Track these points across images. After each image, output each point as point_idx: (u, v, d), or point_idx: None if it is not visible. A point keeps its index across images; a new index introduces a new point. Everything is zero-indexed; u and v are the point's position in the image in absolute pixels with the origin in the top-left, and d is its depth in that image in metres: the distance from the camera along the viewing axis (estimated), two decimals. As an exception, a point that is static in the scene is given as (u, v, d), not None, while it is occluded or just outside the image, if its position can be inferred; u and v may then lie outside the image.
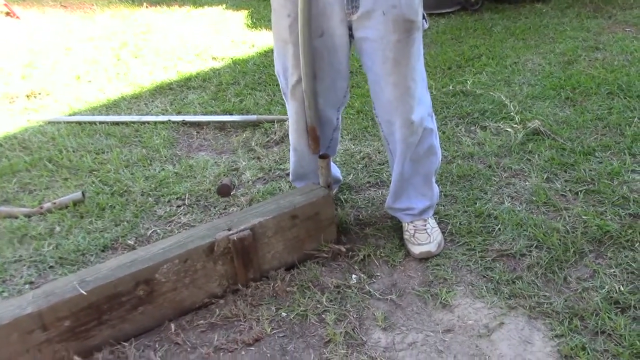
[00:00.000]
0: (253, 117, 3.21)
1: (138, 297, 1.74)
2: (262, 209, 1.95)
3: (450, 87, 3.31)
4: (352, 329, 1.72)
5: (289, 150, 2.79)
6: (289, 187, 2.46)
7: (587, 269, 1.89)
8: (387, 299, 1.83)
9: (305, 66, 1.81)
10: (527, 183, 2.36)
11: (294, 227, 1.96)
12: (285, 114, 3.18)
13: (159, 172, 2.75)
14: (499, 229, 2.09)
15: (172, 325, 1.78)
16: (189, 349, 1.70)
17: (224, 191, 2.48)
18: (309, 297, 1.84)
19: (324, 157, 1.98)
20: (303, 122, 1.99)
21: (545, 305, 1.74)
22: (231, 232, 1.83)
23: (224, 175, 2.67)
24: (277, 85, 3.59)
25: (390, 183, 2.39)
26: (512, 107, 2.95)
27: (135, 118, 3.34)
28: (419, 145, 1.94)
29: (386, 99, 1.84)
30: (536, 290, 1.80)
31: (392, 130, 1.92)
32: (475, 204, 2.25)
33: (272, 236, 1.92)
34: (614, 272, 1.86)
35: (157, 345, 1.73)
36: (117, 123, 3.34)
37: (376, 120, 1.99)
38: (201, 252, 1.80)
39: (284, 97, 2.09)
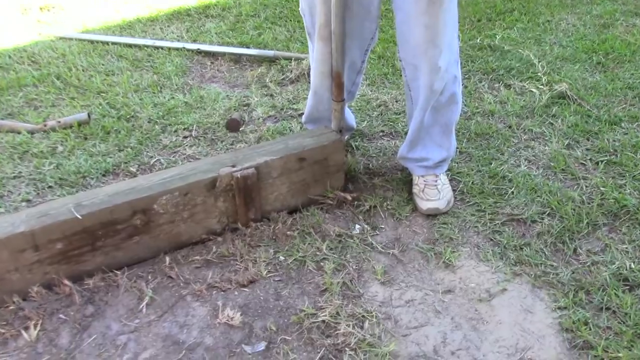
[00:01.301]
0: (270, 53, 3.09)
1: (134, 226, 1.69)
2: (269, 147, 1.88)
3: (478, 41, 3.16)
4: (350, 280, 1.67)
5: (304, 89, 2.71)
6: (300, 128, 2.38)
7: (599, 242, 1.82)
8: (389, 253, 1.78)
9: (336, 6, 1.69)
10: (546, 147, 2.26)
11: (301, 170, 1.89)
12: (304, 52, 3.07)
13: (169, 100, 2.67)
14: (512, 192, 2.01)
15: (167, 258, 1.74)
16: (181, 284, 1.67)
17: (233, 126, 2.40)
18: (309, 243, 1.79)
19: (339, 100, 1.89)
20: (327, 65, 1.89)
21: (551, 275, 1.68)
22: (235, 169, 1.77)
23: (235, 109, 2.59)
24: (298, 21, 3.47)
25: (404, 134, 2.32)
26: (540, 67, 2.82)
27: (149, 42, 3.24)
28: (442, 93, 1.85)
29: (414, 41, 1.73)
30: (543, 259, 1.74)
31: (416, 75, 1.82)
32: (491, 164, 2.16)
33: (277, 177, 1.85)
34: (626, 248, 1.79)
35: (149, 277, 1.69)
36: (130, 45, 3.23)
37: (399, 65, 1.89)
38: (202, 186, 1.74)
39: (307, 37, 1.99)
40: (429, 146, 1.96)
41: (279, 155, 1.83)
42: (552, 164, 2.16)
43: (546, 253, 1.77)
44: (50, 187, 2.08)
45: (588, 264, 1.73)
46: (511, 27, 3.38)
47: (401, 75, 2.01)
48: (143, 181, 1.73)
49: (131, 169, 2.17)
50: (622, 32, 3.27)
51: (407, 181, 2.07)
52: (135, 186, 1.71)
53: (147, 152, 2.28)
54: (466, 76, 2.82)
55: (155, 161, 2.22)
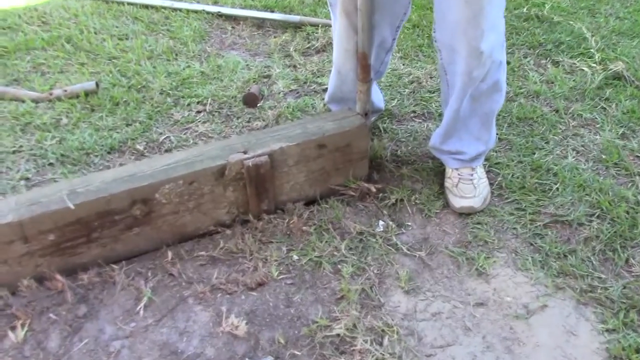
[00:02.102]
0: (296, 18, 2.90)
1: (133, 216, 1.56)
2: (285, 132, 1.71)
3: (524, 10, 2.91)
4: (370, 287, 1.51)
5: (329, 61, 2.52)
6: (323, 106, 2.20)
7: (654, 251, 1.63)
8: (415, 256, 1.61)
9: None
10: (597, 137, 2.05)
11: (320, 158, 1.72)
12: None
13: (184, 68, 2.51)
14: (557, 188, 1.82)
15: (169, 253, 1.60)
16: (183, 283, 1.53)
17: (251, 101, 2.24)
18: (326, 242, 1.63)
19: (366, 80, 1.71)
20: (352, 43, 1.71)
21: (599, 290, 1.50)
22: (246, 156, 1.61)
23: (254, 81, 2.42)
24: (328, -17, 3.24)
25: (438, 115, 2.13)
26: (593, 42, 2.57)
27: (166, 3, 3.06)
28: (484, 81, 1.65)
29: (453, 19, 1.53)
30: (591, 270, 1.56)
31: (454, 59, 1.61)
32: (534, 154, 1.97)
33: (294, 165, 1.69)
34: (686, 259, 1.59)
35: (149, 274, 1.56)
36: (146, 6, 3.06)
37: (435, 46, 1.69)
38: (210, 174, 1.59)
39: (330, 9, 1.79)
40: (465, 139, 1.77)
41: (296, 141, 1.66)
42: (603, 156, 1.95)
43: (594, 263, 1.58)
44: (51, 164, 1.95)
45: (642, 277, 1.54)
46: (562, -6, 3.11)
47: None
48: (144, 167, 1.59)
49: (138, 146, 2.03)
50: (687, 3, 2.98)
51: (438, 172, 1.89)
52: (136, 172, 1.57)
53: (157, 127, 2.13)
54: (510, 50, 2.59)
55: (164, 138, 2.08)
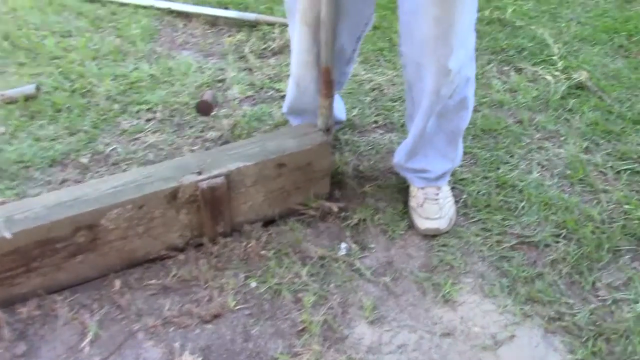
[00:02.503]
0: (251, 16, 2.80)
1: (77, 244, 1.46)
2: (243, 150, 1.63)
3: (487, 13, 2.88)
4: (333, 317, 1.46)
5: (287, 64, 2.44)
6: (281, 115, 2.12)
7: (620, 273, 1.62)
8: (380, 282, 1.56)
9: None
10: (562, 150, 2.04)
11: (280, 177, 1.65)
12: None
13: (132, 71, 2.39)
14: (523, 206, 1.80)
15: (117, 282, 1.51)
16: (132, 316, 1.44)
17: (204, 109, 2.14)
18: (286, 267, 1.57)
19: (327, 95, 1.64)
20: (312, 54, 1.63)
21: (566, 317, 1.48)
22: (201, 177, 1.52)
23: (207, 86, 2.32)
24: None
25: (401, 126, 2.08)
26: (555, 49, 2.57)
27: (113, -3, 2.92)
28: (451, 97, 1.60)
29: (422, 36, 1.47)
30: (558, 295, 1.54)
31: (420, 75, 1.56)
32: (499, 169, 1.94)
33: (252, 185, 1.61)
34: (652, 282, 1.59)
35: (95, 306, 1.46)
36: (91, 0, 2.91)
37: (400, 61, 1.63)
38: (161, 197, 1.50)
39: (287, 14, 1.71)
40: (430, 156, 1.72)
41: (254, 160, 1.59)
42: (568, 171, 1.94)
43: (561, 287, 1.56)
44: (-15, 179, 1.82)
45: (609, 302, 1.53)
46: (523, -3, 3.10)
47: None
48: (89, 189, 1.49)
49: (82, 159, 1.92)
50: (646, 8, 3.01)
51: (402, 188, 1.84)
52: (80, 196, 1.46)
53: (103, 137, 2.02)
54: (472, 56, 2.56)
55: (111, 150, 1.97)
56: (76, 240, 1.45)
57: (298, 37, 1.63)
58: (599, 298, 1.55)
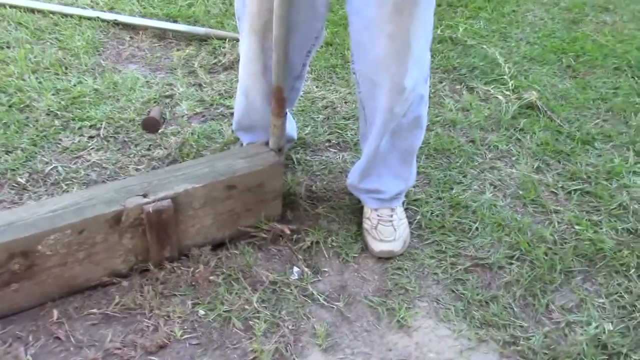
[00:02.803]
0: (201, 30, 2.75)
1: (11, 271, 1.37)
2: (191, 170, 1.58)
3: (438, 31, 2.90)
4: (285, 346, 1.41)
5: (237, 80, 2.39)
6: (232, 132, 2.07)
7: (573, 295, 1.63)
8: (333, 307, 1.53)
9: (279, 6, 1.39)
10: (514, 170, 2.05)
11: (230, 199, 1.60)
12: (240, 33, 2.73)
13: (75, 85, 2.30)
14: (477, 228, 1.80)
15: (55, 312, 1.43)
16: (72, 349, 1.37)
17: (151, 126, 2.08)
18: (236, 294, 1.52)
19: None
20: (259, 63, 1.60)
21: (521, 341, 1.48)
22: (146, 200, 1.46)
23: (155, 102, 2.25)
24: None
25: (354, 144, 2.07)
26: (506, 68, 2.60)
27: (56, 7, 2.82)
28: (405, 116, 1.58)
29: (376, 54, 1.45)
30: (512, 319, 1.54)
31: (374, 93, 1.54)
32: (452, 189, 1.94)
33: (200, 208, 1.56)
34: (603, 303, 1.61)
35: (30, 338, 1.38)
36: (32, 10, 2.80)
37: (353, 78, 1.61)
38: (103, 222, 1.43)
39: (237, 22, 1.67)
40: (384, 176, 1.70)
41: (203, 182, 1.53)
42: (520, 192, 1.96)
43: (515, 310, 1.56)
44: None
45: (562, 324, 1.54)
46: (474, 16, 3.14)
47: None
48: (25, 214, 1.41)
49: (20, 179, 1.82)
50: (592, 30, 3.09)
51: (356, 209, 1.82)
52: (14, 221, 1.38)
53: (42, 155, 1.93)
54: (425, 74, 2.57)
55: (51, 169, 1.88)
56: (10, 267, 1.37)
57: (246, 46, 1.60)
58: (553, 320, 1.56)
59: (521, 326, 1.52)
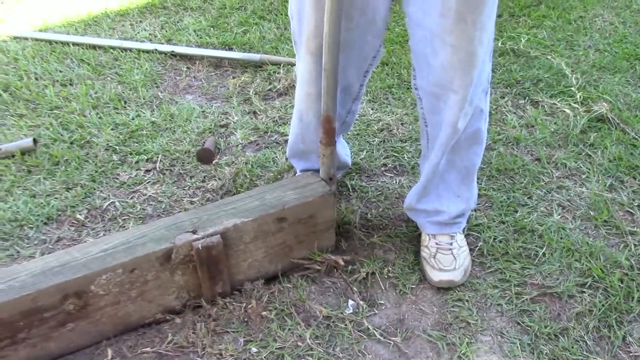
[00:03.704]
0: (256, 57, 2.77)
1: (66, 312, 1.40)
2: (241, 204, 1.57)
3: (499, 44, 2.82)
4: (339, 385, 1.37)
5: (292, 105, 2.39)
6: (286, 159, 2.06)
7: (653, 325, 1.51)
8: (390, 343, 1.47)
9: (330, 34, 1.37)
10: (584, 189, 1.95)
11: (280, 232, 1.58)
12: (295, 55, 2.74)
13: (133, 118, 2.36)
14: (544, 253, 1.71)
15: (109, 351, 1.44)
16: (125, 389, 1.37)
17: (206, 157, 2.10)
18: (289, 330, 1.49)
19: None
20: (315, 86, 1.57)
21: (595, 378, 1.38)
22: (196, 236, 1.46)
23: (210, 132, 2.27)
24: (289, 19, 3.13)
25: (412, 168, 2.02)
26: (573, 79, 2.49)
27: (116, 43, 2.91)
28: (464, 131, 1.53)
29: (440, 65, 1.41)
30: (585, 353, 1.44)
31: (437, 107, 1.49)
32: (516, 212, 1.85)
33: (251, 242, 1.55)
34: (688, 334, 1.48)
35: (85, 378, 1.39)
36: (94, 47, 2.91)
37: (414, 94, 1.56)
38: (154, 259, 1.44)
39: (294, 45, 1.65)
40: (444, 196, 1.64)
41: (253, 216, 1.52)
42: (592, 212, 1.85)
43: (588, 343, 1.46)
44: (-22, 240, 1.78)
45: (641, 359, 1.43)
46: (538, 25, 3.03)
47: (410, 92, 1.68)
48: (78, 253, 1.43)
49: (79, 216, 1.87)
50: (668, 32, 2.92)
51: (413, 237, 1.76)
52: (68, 262, 1.41)
53: (101, 191, 1.98)
54: (486, 90, 2.48)
55: (108, 204, 1.92)
56: (65, 308, 1.39)
57: (302, 67, 1.58)
58: (631, 354, 1.45)
59: (595, 361, 1.42)
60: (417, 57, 1.48)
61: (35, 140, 2.16)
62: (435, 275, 1.60)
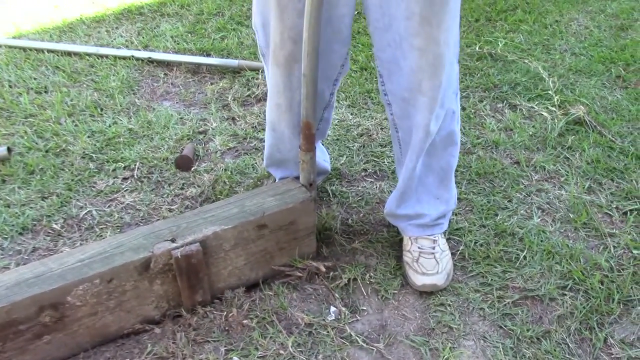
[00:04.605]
0: (234, 63, 2.75)
1: (42, 324, 1.37)
2: (220, 211, 1.55)
3: (477, 48, 2.83)
4: (322, 393, 1.35)
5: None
6: (264, 167, 2.04)
7: (634, 327, 1.52)
8: (373, 349, 1.46)
9: (308, 42, 1.36)
10: (563, 192, 1.96)
11: (261, 239, 1.56)
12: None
13: (110, 125, 2.32)
14: (525, 257, 1.71)
15: (87, 364, 1.41)
16: (103, 402, 1.34)
17: (184, 164, 2.07)
18: (270, 338, 1.47)
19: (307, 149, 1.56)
20: (284, 96, 1.57)
21: (578, 381, 1.38)
22: (175, 245, 1.44)
23: (188, 139, 2.25)
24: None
25: (392, 173, 2.01)
26: (550, 83, 2.50)
27: (91, 49, 2.87)
28: (438, 133, 1.53)
29: (409, 68, 1.40)
30: (567, 356, 1.44)
31: (408, 112, 1.49)
32: (497, 215, 1.85)
33: (231, 250, 1.53)
34: (668, 335, 1.49)
35: (62, 392, 1.36)
36: (69, 53, 2.87)
37: (383, 100, 1.56)
38: (132, 269, 1.41)
39: (261, 58, 1.65)
40: (424, 199, 1.64)
41: (233, 223, 1.50)
42: (571, 215, 1.86)
43: (570, 346, 1.47)
44: (-50, 252, 1.74)
45: (623, 361, 1.43)
46: (514, 29, 3.05)
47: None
48: (53, 265, 1.40)
49: (55, 225, 1.83)
50: (642, 36, 2.96)
51: (394, 242, 1.76)
52: (43, 272, 1.38)
53: (77, 200, 1.94)
54: (464, 94, 2.50)
55: (85, 213, 1.89)
56: (41, 320, 1.36)
57: (270, 79, 1.58)
58: (613, 356, 1.46)
59: (577, 364, 1.42)
60: (385, 62, 1.48)
61: (9, 149, 2.12)
62: (418, 280, 1.59)
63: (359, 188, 1.99)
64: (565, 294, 1.60)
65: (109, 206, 1.92)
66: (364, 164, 2.10)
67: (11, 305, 1.30)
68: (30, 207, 1.90)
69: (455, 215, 1.85)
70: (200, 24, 3.21)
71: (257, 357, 1.43)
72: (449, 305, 1.57)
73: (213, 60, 2.79)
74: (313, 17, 1.31)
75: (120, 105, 2.46)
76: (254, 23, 1.55)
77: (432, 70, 1.40)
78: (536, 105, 2.40)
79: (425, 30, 1.34)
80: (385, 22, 1.40)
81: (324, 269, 1.63)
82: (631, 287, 1.61)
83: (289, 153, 1.70)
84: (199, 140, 2.26)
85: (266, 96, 2.46)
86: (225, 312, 1.53)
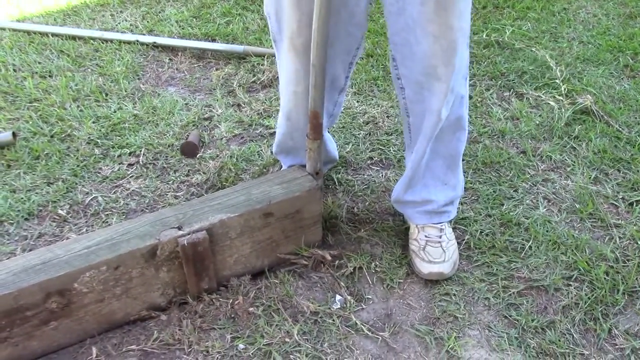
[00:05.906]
0: (239, 48, 2.74)
1: (49, 310, 1.37)
2: (226, 199, 1.55)
3: (484, 35, 2.82)
4: (328, 381, 1.36)
5: (277, 98, 2.37)
6: (271, 153, 2.05)
7: (638, 318, 1.53)
8: (378, 338, 1.47)
9: (318, 32, 1.35)
10: (569, 182, 1.95)
11: (267, 227, 1.57)
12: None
13: (115, 111, 2.32)
14: (530, 247, 1.71)
15: (94, 349, 1.42)
16: (110, 388, 1.35)
17: (189, 151, 2.07)
18: (276, 326, 1.48)
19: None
20: (302, 84, 1.55)
21: (582, 371, 1.39)
22: (181, 232, 1.44)
23: (193, 125, 2.25)
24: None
25: (397, 161, 2.01)
26: (557, 71, 2.49)
27: (96, 34, 2.86)
28: (447, 118, 1.53)
29: (422, 54, 1.40)
30: (572, 346, 1.45)
31: (422, 96, 1.48)
32: (502, 205, 1.86)
33: (237, 237, 1.53)
34: (672, 326, 1.50)
35: (69, 377, 1.37)
36: (73, 37, 2.86)
37: (396, 84, 1.55)
38: (139, 256, 1.42)
39: (273, 43, 1.63)
40: (431, 185, 1.64)
41: (239, 211, 1.51)
42: (577, 205, 1.86)
43: (575, 336, 1.47)
44: (-43, 236, 1.74)
45: (627, 351, 1.44)
46: (522, 17, 3.04)
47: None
48: (60, 251, 1.41)
49: (60, 211, 1.84)
50: (651, 24, 2.94)
51: (400, 231, 1.76)
52: (50, 259, 1.38)
53: (83, 186, 1.94)
54: (471, 82, 2.48)
55: (91, 199, 1.89)
56: (48, 306, 1.37)
57: (286, 66, 1.56)
58: (617, 347, 1.46)
59: (582, 354, 1.43)
60: (398, 46, 1.47)
61: (14, 134, 2.12)
62: (425, 268, 1.60)
63: (365, 176, 1.99)
64: (571, 285, 1.60)
65: (114, 192, 1.93)
66: (369, 152, 2.10)
67: (18, 292, 1.31)
68: (36, 193, 1.91)
69: (461, 204, 1.85)
70: (205, 8, 3.20)
71: (263, 345, 1.44)
72: (454, 294, 1.58)
73: (218, 46, 2.78)
74: (323, 6, 1.30)
75: (125, 91, 2.46)
76: (266, 10, 1.54)
77: (446, 56, 1.39)
78: (543, 94, 2.39)
79: (440, 17, 1.33)
80: (399, 6, 1.39)
81: (329, 258, 1.64)
82: (636, 278, 1.61)
83: (301, 142, 1.69)
84: (204, 126, 2.25)
85: (272, 83, 2.47)
86: (231, 300, 1.53)
